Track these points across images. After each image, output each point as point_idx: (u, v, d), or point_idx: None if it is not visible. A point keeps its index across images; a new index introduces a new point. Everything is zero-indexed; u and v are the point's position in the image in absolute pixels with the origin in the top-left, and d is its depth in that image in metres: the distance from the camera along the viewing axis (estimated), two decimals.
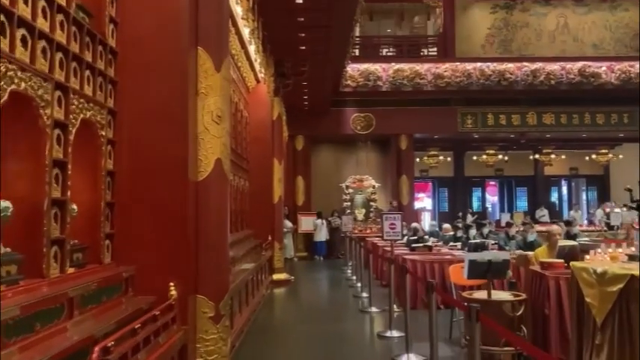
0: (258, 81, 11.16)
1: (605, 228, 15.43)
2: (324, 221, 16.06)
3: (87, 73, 3.56)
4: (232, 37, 8.10)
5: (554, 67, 15.96)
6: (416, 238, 9.75)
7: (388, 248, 10.34)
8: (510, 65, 16.08)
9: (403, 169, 16.44)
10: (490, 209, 21.88)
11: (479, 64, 16.11)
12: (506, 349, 5.20)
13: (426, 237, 10.07)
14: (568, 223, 9.56)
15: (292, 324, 7.73)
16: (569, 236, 8.89)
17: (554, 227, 6.27)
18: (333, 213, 16.48)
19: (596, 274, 4.19)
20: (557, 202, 22.72)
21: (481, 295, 5.59)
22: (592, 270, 4.24)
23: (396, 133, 16.43)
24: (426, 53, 17.21)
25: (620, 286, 3.91)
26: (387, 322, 6.86)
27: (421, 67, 16.10)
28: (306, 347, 6.37)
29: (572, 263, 4.62)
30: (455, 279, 6.35)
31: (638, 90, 15.78)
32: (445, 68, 16.04)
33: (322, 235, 15.93)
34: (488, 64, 16.11)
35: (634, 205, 4.17)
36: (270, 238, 10.63)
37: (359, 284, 10.19)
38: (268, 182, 11.17)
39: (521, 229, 9.68)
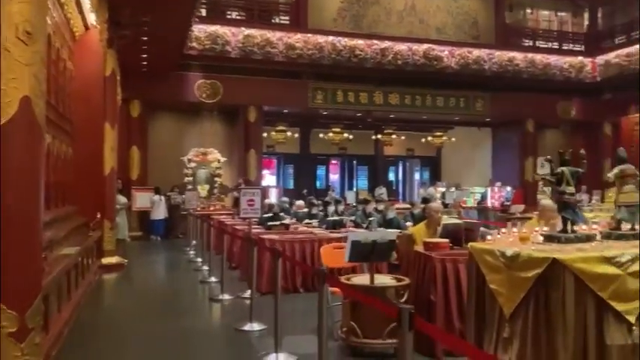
0: (87, 28, 9.32)
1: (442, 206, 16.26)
2: (162, 197, 14.45)
3: None
4: None
5: (402, 47, 16.13)
6: (271, 215, 8.89)
7: (239, 227, 9.40)
8: (361, 42, 15.90)
9: (251, 143, 15.43)
10: (332, 186, 21.96)
11: (330, 38, 15.67)
12: (390, 341, 4.59)
13: (282, 214, 9.27)
14: (426, 201, 9.49)
15: (127, 320, 6.35)
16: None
17: (435, 205, 5.82)
18: (173, 188, 14.94)
19: (504, 257, 3.65)
20: (393, 181, 23.64)
21: (362, 280, 4.90)
22: (499, 252, 3.71)
23: (245, 104, 15.34)
24: (277, 21, 16.27)
25: (538, 271, 3.39)
26: (245, 313, 5.89)
27: (273, 36, 15.18)
28: (146, 351, 5.13)
29: (471, 244, 4.07)
30: (327, 261, 5.60)
31: (477, 76, 16.77)
32: (297, 39, 15.34)
33: (160, 213, 14.32)
34: (340, 38, 15.75)
35: (553, 179, 3.70)
36: (99, 215, 9.05)
37: (205, 267, 9.10)
38: (98, 150, 9.47)
39: (377, 206, 9.43)
